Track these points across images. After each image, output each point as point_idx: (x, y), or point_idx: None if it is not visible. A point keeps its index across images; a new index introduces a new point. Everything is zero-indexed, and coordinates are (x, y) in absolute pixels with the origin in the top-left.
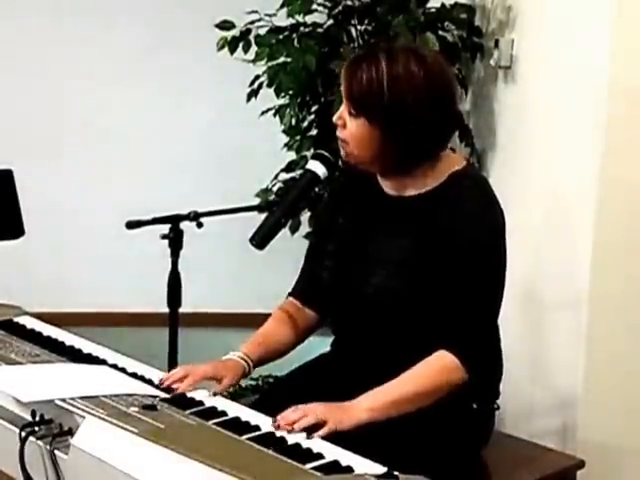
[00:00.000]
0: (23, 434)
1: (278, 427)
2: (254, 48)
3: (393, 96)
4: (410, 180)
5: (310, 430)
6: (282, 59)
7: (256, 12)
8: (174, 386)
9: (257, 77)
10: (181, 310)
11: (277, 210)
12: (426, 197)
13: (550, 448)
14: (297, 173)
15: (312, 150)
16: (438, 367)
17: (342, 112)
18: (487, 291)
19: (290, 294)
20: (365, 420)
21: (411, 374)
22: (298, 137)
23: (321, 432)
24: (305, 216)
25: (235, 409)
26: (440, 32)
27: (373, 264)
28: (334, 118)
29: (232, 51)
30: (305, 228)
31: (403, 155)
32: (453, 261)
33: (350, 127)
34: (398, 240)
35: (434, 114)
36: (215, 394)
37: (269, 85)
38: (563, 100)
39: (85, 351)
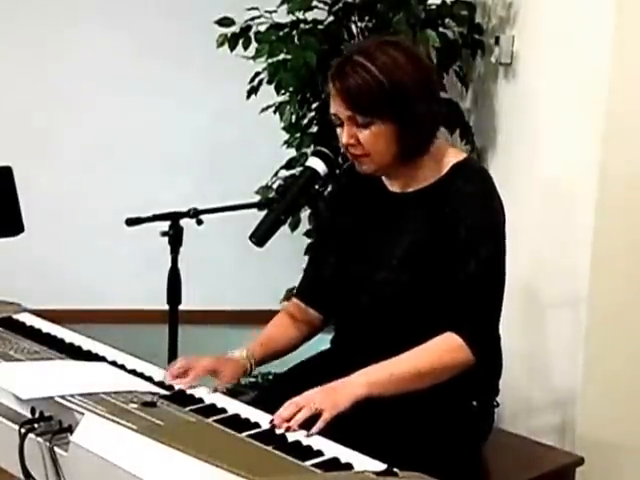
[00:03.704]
0: (23, 431)
1: (275, 427)
2: (254, 45)
3: (393, 84)
4: (415, 174)
5: (308, 422)
6: (282, 56)
7: (256, 9)
8: (176, 383)
9: (257, 74)
10: (181, 307)
11: (277, 207)
12: (428, 191)
13: (549, 445)
14: (297, 170)
15: (312, 147)
16: (443, 346)
17: (349, 132)
18: (490, 276)
19: (294, 295)
20: (362, 395)
21: (414, 352)
22: (298, 134)
23: (319, 425)
24: (305, 213)
25: (235, 406)
26: (441, 29)
27: (376, 261)
28: (344, 141)
29: (232, 48)
30: (305, 226)
31: (420, 140)
32: (456, 250)
33: (366, 139)
34: (401, 236)
35: (430, 92)
36: (216, 390)
37: (269, 82)
38: (564, 97)
39: (84, 348)
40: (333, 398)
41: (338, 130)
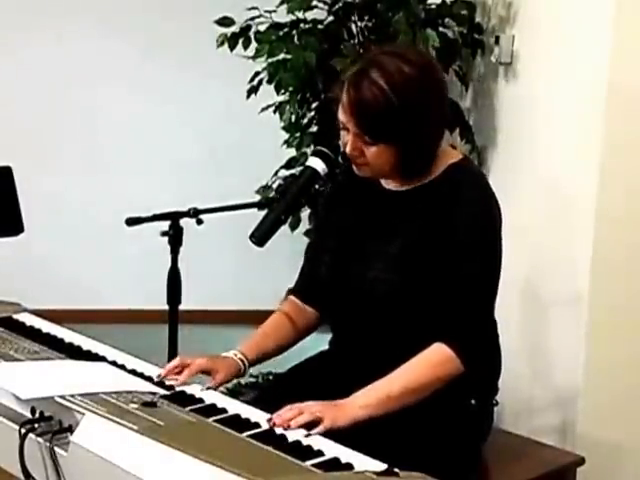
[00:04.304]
0: (23, 431)
1: (274, 425)
2: (254, 45)
3: (406, 111)
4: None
5: (306, 428)
6: (282, 56)
7: (256, 8)
8: (171, 382)
9: (257, 74)
10: (181, 307)
11: (277, 207)
12: (424, 189)
13: (550, 445)
14: (297, 170)
15: (312, 147)
16: (433, 360)
17: (353, 144)
18: (483, 282)
19: (290, 292)
20: (361, 417)
21: (406, 368)
22: (298, 134)
23: (317, 430)
24: (305, 213)
25: (235, 406)
26: (441, 28)
27: (371, 259)
28: (347, 151)
29: (232, 48)
30: (305, 225)
31: (423, 161)
32: (450, 251)
33: (370, 154)
34: (395, 234)
35: (439, 113)
36: (208, 389)
37: (269, 82)
38: (564, 96)
39: (84, 348)
40: (334, 413)
41: (342, 133)
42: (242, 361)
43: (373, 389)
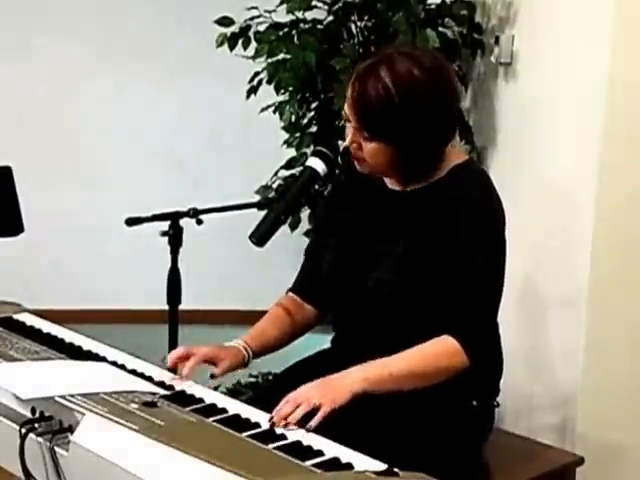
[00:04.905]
0: (23, 431)
1: (274, 424)
2: (254, 44)
3: (408, 114)
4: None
5: (307, 417)
6: (282, 55)
7: (256, 8)
8: (176, 366)
9: (257, 74)
10: (181, 307)
11: (277, 207)
12: (427, 190)
13: (549, 445)
14: (297, 170)
15: (312, 147)
16: (439, 349)
17: (353, 137)
18: (486, 280)
19: (290, 290)
20: (359, 391)
21: (411, 352)
22: (298, 134)
23: (317, 418)
24: (305, 213)
25: (235, 406)
26: (440, 28)
27: (375, 259)
28: (347, 143)
29: (232, 47)
30: (305, 225)
31: (422, 166)
32: (454, 251)
33: (367, 150)
34: (400, 234)
35: (446, 120)
36: (212, 376)
37: (269, 82)
38: (563, 97)
39: (85, 348)
40: (331, 394)
41: (347, 125)
42: (246, 350)
43: (374, 364)
